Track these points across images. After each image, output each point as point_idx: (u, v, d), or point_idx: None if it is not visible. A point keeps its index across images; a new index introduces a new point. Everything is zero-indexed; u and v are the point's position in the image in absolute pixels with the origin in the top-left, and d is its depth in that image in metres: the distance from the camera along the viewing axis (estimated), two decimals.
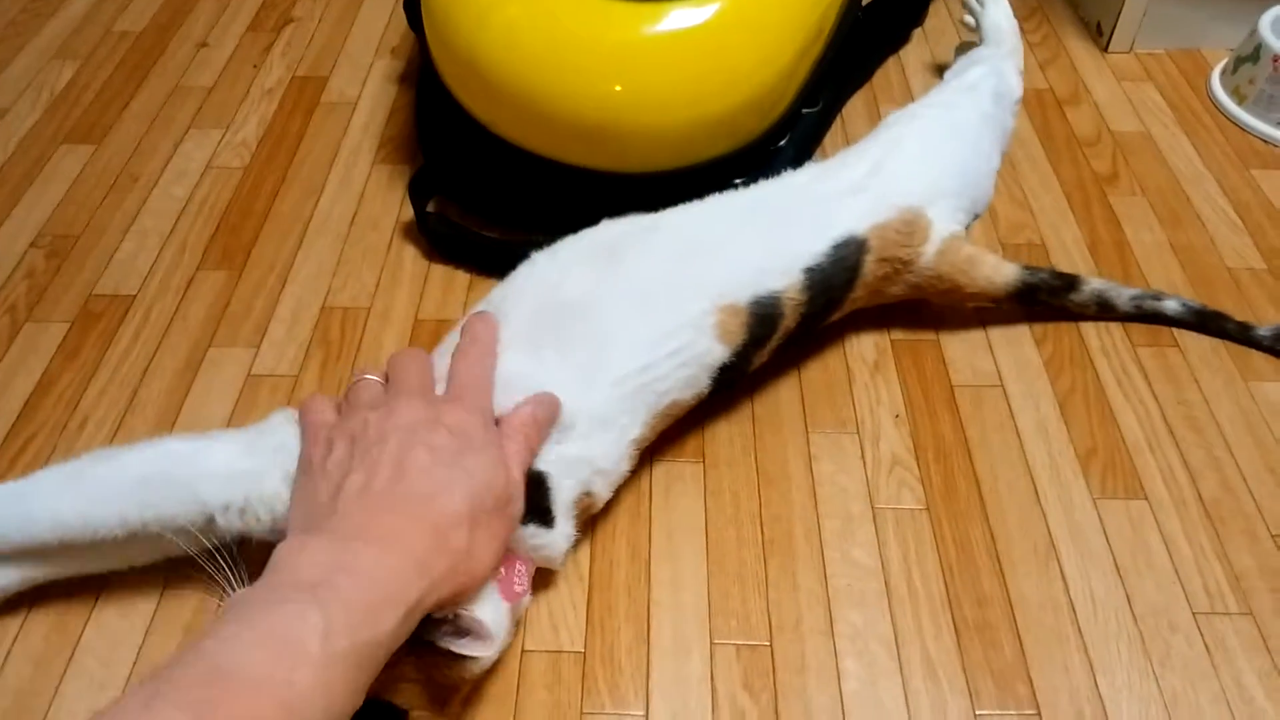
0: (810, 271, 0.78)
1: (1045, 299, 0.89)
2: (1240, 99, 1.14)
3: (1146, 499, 0.78)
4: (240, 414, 0.84)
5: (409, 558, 0.52)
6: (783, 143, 1.02)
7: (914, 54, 1.24)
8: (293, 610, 0.48)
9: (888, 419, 0.84)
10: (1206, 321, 0.90)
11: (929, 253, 0.83)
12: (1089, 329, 0.91)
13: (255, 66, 1.19)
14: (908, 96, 1.17)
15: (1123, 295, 0.90)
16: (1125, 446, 0.82)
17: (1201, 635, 0.70)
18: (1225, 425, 0.83)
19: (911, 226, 0.82)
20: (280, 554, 0.52)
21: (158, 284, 0.95)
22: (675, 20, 0.90)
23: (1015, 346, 0.90)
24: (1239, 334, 0.89)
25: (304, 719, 0.45)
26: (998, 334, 0.91)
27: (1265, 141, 1.11)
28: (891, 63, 1.23)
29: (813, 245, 0.78)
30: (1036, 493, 0.78)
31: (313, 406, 0.65)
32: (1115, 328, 0.91)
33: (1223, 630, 0.70)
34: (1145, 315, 0.90)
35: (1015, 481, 0.79)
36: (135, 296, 0.94)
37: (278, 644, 0.46)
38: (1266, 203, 1.04)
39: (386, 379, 0.66)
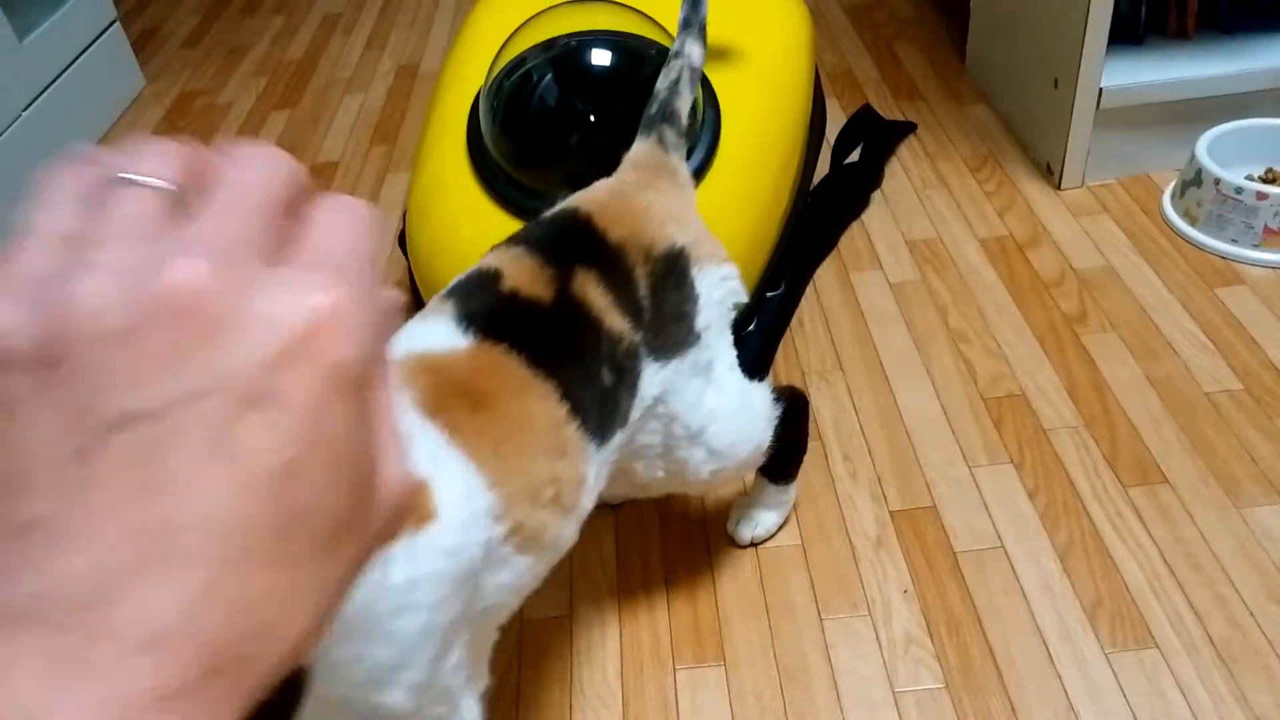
0: None
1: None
2: (1192, 220, 1.20)
3: (1158, 647, 0.80)
4: None
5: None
6: (750, 328, 1.09)
7: (876, 215, 1.31)
8: None
9: (897, 595, 0.87)
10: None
11: None
12: (1079, 474, 0.95)
13: None
14: (874, 259, 1.24)
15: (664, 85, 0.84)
16: (1129, 594, 0.84)
17: None
18: (1225, 559, 0.86)
19: None
20: None
21: None
22: None
23: (1009, 503, 0.93)
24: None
25: None
26: (991, 491, 0.94)
27: (1223, 258, 1.16)
28: (856, 227, 1.30)
29: None
30: (1050, 655, 0.81)
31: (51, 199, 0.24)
32: (1104, 470, 0.95)
33: None
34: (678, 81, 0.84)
35: (1028, 646, 0.82)
36: None
37: None
38: (1233, 320, 1.08)
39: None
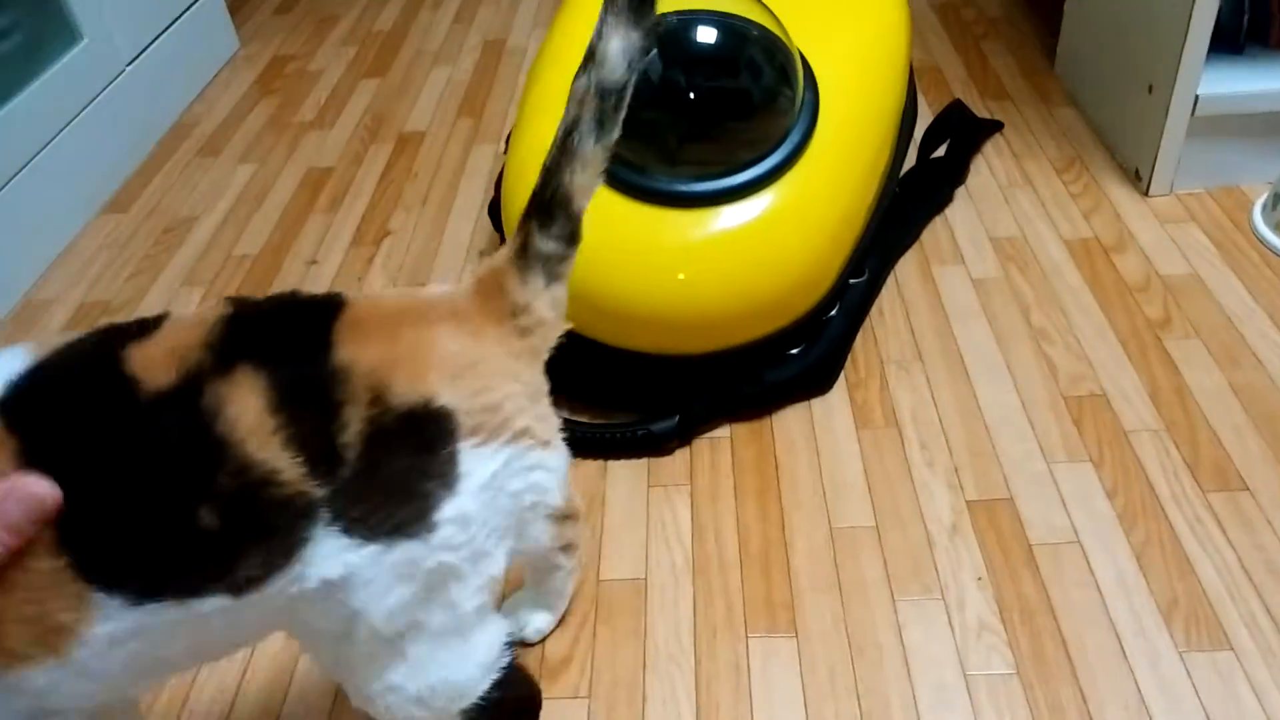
0: None
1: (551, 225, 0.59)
2: None
3: (1233, 649, 0.80)
4: None
5: None
6: (833, 313, 1.10)
7: (959, 211, 1.31)
8: None
9: (970, 582, 0.88)
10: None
11: None
12: (1158, 477, 0.95)
13: (359, 279, 1.32)
14: (956, 254, 1.24)
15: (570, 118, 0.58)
16: (1206, 597, 0.84)
17: None
18: None
19: None
20: None
21: None
22: (725, 219, 0.99)
23: (1087, 500, 0.94)
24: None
25: None
26: (1069, 487, 0.95)
27: None
28: (939, 222, 1.31)
29: None
30: (1123, 650, 0.81)
31: None
32: (1184, 474, 0.95)
33: None
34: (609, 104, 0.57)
35: (1101, 640, 0.82)
36: None
37: None
38: None
39: None
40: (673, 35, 1.00)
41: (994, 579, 0.88)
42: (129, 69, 1.60)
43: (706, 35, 1.00)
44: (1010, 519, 0.93)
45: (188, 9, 1.77)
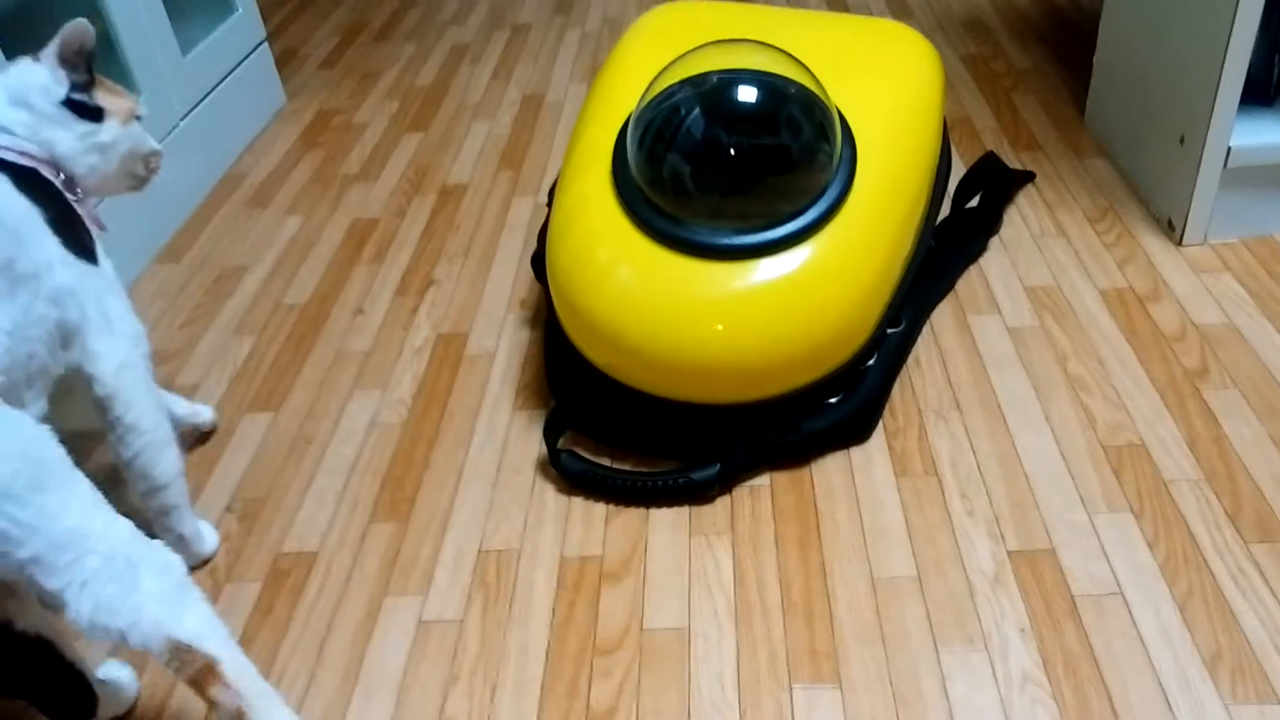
0: None
1: None
2: None
3: (1279, 702, 0.81)
4: (414, 662, 0.93)
5: None
6: (870, 362, 1.12)
7: (993, 261, 1.33)
8: None
9: (1014, 633, 0.88)
10: None
11: None
12: (1199, 528, 0.95)
13: (405, 328, 1.35)
14: (992, 303, 1.26)
15: None
16: (1251, 648, 0.84)
17: None
18: None
19: None
20: None
21: (336, 539, 1.07)
22: (765, 271, 1.01)
23: (1128, 551, 0.94)
24: None
25: None
26: (1110, 538, 0.95)
27: None
28: (974, 271, 1.32)
29: None
30: (1168, 702, 0.82)
31: None
32: (1225, 525, 0.95)
33: None
34: None
35: (1146, 691, 0.82)
36: (317, 553, 1.06)
37: None
38: None
39: None
40: (715, 93, 1.03)
41: (1037, 630, 0.88)
42: (182, 124, 1.65)
43: (747, 94, 1.03)
44: (1052, 569, 0.93)
45: (237, 66, 1.83)
